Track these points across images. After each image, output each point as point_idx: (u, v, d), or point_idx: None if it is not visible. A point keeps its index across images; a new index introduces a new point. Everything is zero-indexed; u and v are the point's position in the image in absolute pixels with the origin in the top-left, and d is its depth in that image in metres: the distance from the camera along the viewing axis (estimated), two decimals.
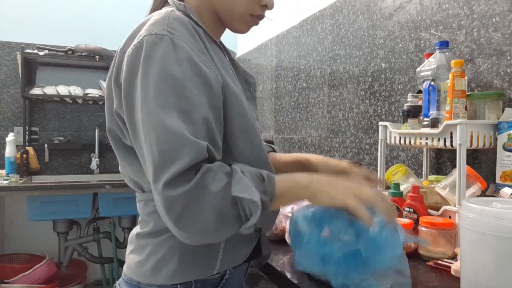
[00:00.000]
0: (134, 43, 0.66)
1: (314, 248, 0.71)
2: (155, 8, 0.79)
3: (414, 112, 1.24)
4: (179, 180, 0.58)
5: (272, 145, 1.00)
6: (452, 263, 0.90)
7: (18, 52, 2.71)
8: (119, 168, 0.82)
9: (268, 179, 0.65)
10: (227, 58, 0.77)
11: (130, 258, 0.77)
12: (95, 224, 2.73)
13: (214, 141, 0.65)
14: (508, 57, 1.15)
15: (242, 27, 0.80)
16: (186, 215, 0.59)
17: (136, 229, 0.78)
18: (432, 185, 1.15)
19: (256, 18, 0.79)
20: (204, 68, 0.65)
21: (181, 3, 0.73)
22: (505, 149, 1.01)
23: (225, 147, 0.69)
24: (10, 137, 2.62)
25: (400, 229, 0.71)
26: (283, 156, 0.96)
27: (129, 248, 0.79)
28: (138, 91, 0.63)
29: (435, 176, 1.22)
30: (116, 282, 0.80)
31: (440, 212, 1.07)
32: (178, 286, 0.72)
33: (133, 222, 2.75)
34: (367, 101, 1.77)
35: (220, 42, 0.80)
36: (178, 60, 0.63)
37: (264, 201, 0.62)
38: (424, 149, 1.38)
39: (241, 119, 0.70)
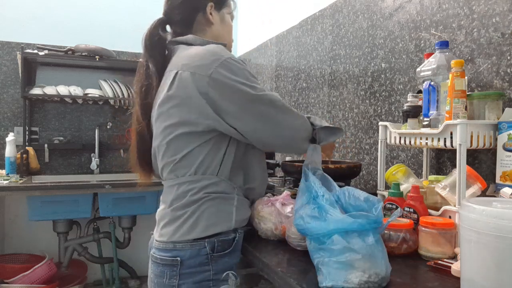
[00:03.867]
0: (215, 64, 0.99)
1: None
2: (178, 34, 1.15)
3: (414, 112, 1.24)
4: None
5: None
6: (452, 263, 0.90)
7: (18, 52, 2.71)
8: (160, 162, 1.08)
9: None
10: None
11: (165, 229, 1.04)
12: (95, 224, 2.73)
13: None
14: (508, 57, 1.15)
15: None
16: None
17: (165, 207, 1.07)
18: (432, 185, 1.15)
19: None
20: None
21: (221, 44, 1.11)
22: (505, 149, 1.01)
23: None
24: (10, 137, 2.62)
25: None
26: None
27: (161, 223, 1.07)
28: (244, 92, 0.99)
29: (435, 176, 1.22)
30: (151, 251, 1.08)
31: (440, 212, 1.07)
32: (205, 242, 1.00)
33: (133, 222, 2.76)
34: (367, 101, 1.77)
35: None
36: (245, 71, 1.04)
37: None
38: (424, 149, 1.38)
39: None
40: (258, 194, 1.19)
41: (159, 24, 1.14)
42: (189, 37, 1.11)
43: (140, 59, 1.14)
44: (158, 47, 1.13)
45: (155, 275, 1.05)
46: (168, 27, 1.18)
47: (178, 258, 1.00)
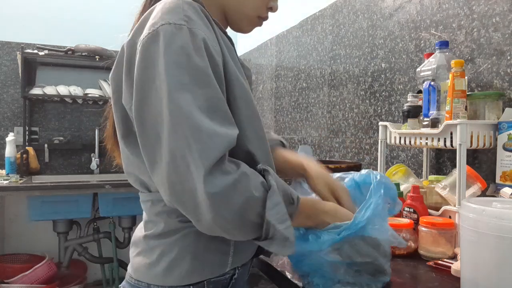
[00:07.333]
0: (148, 31, 0.63)
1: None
2: None
3: (414, 112, 1.24)
4: (217, 171, 0.59)
5: (282, 140, 0.97)
6: (452, 263, 0.90)
7: (18, 52, 2.71)
8: (124, 167, 0.79)
9: (297, 202, 0.67)
10: (233, 47, 0.77)
11: (138, 260, 0.74)
12: (95, 224, 2.73)
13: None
14: (508, 57, 1.15)
15: (247, 28, 0.83)
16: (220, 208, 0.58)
17: (141, 231, 0.76)
18: (432, 185, 1.15)
19: (261, 19, 0.82)
20: (217, 59, 0.65)
21: None
22: (505, 149, 1.01)
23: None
24: (10, 137, 2.62)
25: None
26: (287, 157, 0.90)
27: (134, 251, 0.77)
28: (162, 82, 0.60)
29: (435, 176, 1.22)
30: (120, 285, 0.78)
31: (440, 212, 1.07)
32: (191, 287, 0.71)
33: (133, 222, 2.75)
34: (367, 101, 1.77)
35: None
36: (200, 51, 0.62)
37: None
38: (424, 149, 1.38)
39: (248, 109, 0.70)
40: None
41: None
42: None
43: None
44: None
45: None
46: None
47: None
